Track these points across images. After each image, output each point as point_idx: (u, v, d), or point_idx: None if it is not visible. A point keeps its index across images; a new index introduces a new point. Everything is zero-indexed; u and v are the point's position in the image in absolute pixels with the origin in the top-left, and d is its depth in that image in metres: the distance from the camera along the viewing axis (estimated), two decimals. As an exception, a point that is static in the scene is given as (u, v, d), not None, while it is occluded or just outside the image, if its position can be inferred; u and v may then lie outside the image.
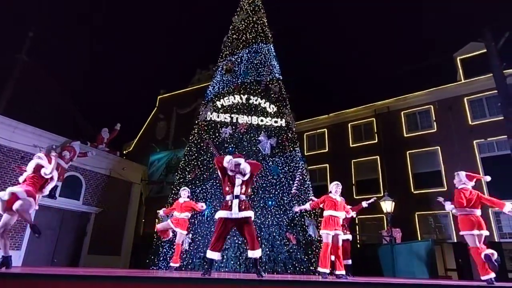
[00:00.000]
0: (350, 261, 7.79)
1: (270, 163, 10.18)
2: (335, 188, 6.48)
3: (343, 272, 5.96)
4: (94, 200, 12.14)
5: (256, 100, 11.26)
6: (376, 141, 17.70)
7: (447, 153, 15.41)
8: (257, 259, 4.78)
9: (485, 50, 13.46)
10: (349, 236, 8.10)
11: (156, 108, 25.11)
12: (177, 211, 7.40)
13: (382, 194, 14.38)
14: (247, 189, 5.08)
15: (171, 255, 8.96)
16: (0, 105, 10.71)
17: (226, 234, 5.05)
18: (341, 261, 6.09)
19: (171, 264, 7.38)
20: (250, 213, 4.90)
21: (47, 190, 5.57)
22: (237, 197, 4.89)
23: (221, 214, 4.89)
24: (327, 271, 5.83)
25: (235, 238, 8.83)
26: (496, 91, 11.96)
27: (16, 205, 4.87)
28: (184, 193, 7.69)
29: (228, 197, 4.98)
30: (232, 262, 8.59)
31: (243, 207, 4.84)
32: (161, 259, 9.42)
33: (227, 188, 5.03)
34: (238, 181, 4.97)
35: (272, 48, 12.83)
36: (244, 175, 5.00)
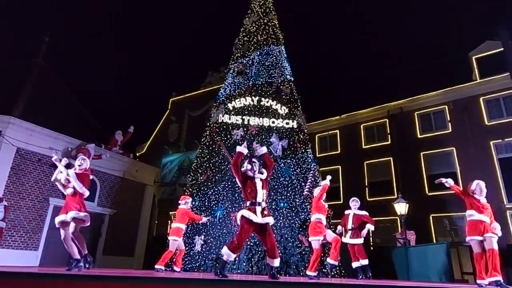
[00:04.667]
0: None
1: (282, 164, 10.16)
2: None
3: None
4: (108, 201, 12.34)
5: (267, 102, 11.26)
6: (389, 142, 17.47)
7: (463, 154, 15.11)
8: (273, 267, 4.72)
9: (501, 49, 13.17)
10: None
11: (168, 111, 25.36)
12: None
13: (395, 196, 14.18)
14: (267, 193, 5.02)
15: (183, 257, 9.03)
16: (18, 109, 10.98)
17: (248, 236, 4.99)
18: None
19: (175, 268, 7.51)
20: (271, 219, 4.87)
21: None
22: (259, 204, 4.80)
23: (246, 213, 4.71)
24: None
25: (247, 240, 8.83)
26: (513, 90, 11.68)
27: None
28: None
29: (248, 203, 4.83)
30: (244, 264, 8.60)
31: (265, 213, 4.81)
32: (174, 260, 9.48)
33: (249, 194, 4.88)
34: (259, 184, 4.88)
35: (283, 49, 12.82)
36: (261, 172, 4.98)
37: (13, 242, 9.77)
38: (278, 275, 4.65)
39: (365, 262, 7.64)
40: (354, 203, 8.07)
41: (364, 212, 7.98)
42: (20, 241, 9.90)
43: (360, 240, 7.79)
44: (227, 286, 3.63)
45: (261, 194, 4.84)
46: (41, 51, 14.07)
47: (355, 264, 7.71)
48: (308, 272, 6.68)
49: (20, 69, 13.29)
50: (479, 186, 5.66)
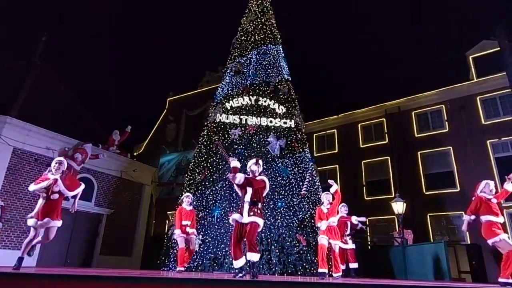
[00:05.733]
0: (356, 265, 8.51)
1: (280, 164, 10.16)
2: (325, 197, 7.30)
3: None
4: (105, 201, 12.29)
5: (265, 102, 11.26)
6: (386, 141, 17.52)
7: (460, 153, 15.17)
8: (254, 262, 4.81)
9: (498, 48, 13.24)
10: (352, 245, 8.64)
11: (165, 110, 25.30)
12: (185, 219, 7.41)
13: (393, 195, 14.22)
14: (258, 195, 5.08)
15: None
16: (14, 108, 10.92)
17: (241, 239, 5.07)
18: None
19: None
20: (256, 219, 4.91)
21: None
22: (247, 203, 5.02)
23: (234, 216, 5.09)
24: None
25: (241, 238, 8.83)
26: (510, 89, 11.73)
27: None
28: (188, 200, 7.61)
29: (241, 203, 5.17)
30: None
31: (251, 213, 4.94)
32: (171, 260, 9.47)
33: (240, 195, 5.26)
34: (249, 188, 5.04)
35: (281, 49, 12.81)
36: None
37: (10, 242, 9.72)
38: (257, 276, 4.72)
39: (355, 265, 8.36)
40: (346, 208, 8.57)
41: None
42: (17, 241, 9.84)
43: (354, 245, 8.60)
44: (226, 286, 3.63)
45: (249, 196, 5.00)
46: (38, 50, 14.00)
47: (342, 267, 8.08)
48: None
49: (17, 69, 13.21)
50: (488, 186, 5.35)
